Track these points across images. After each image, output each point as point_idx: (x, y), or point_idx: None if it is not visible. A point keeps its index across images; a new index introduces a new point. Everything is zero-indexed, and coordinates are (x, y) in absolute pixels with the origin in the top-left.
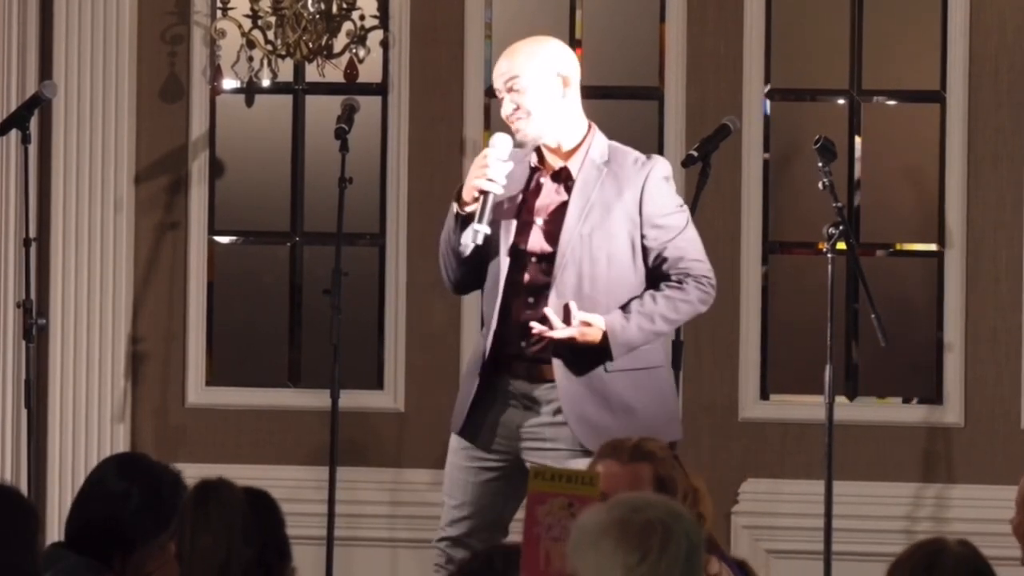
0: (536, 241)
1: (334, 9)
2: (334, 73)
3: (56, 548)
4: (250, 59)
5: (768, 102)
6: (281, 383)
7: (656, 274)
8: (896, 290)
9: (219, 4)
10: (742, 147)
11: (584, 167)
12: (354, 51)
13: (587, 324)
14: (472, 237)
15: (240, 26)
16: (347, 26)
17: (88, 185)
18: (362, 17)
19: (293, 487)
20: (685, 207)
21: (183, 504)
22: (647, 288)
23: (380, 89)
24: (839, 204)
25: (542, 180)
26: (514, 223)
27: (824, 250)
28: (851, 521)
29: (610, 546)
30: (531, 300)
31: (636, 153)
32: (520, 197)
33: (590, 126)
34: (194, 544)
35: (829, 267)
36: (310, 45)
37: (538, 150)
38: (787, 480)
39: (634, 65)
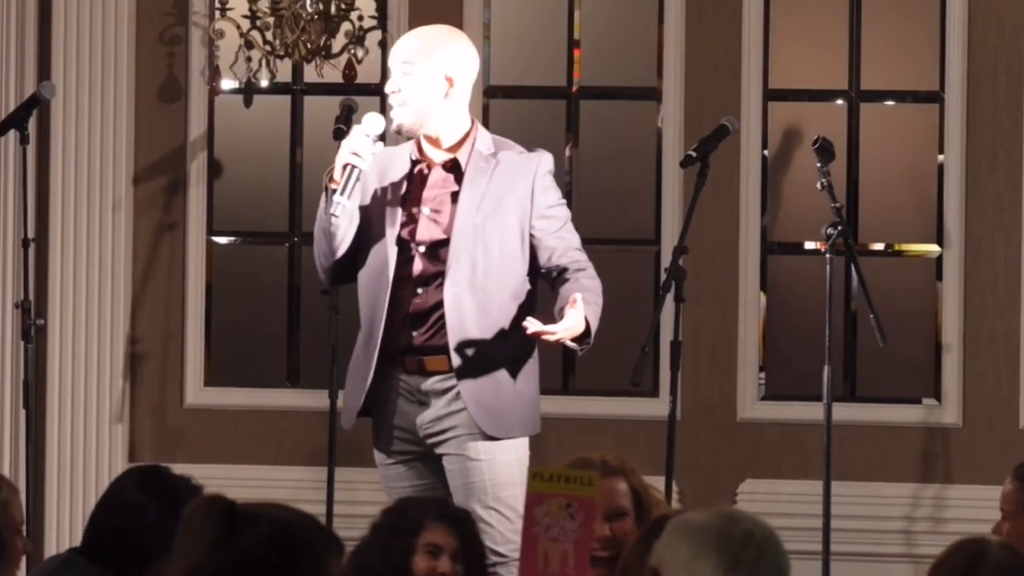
0: (425, 230)
1: (332, 9)
2: (332, 73)
3: (73, 554)
4: (248, 59)
5: (767, 103)
6: (279, 383)
7: (545, 264)
8: (894, 291)
9: (217, 5)
10: (740, 147)
11: (472, 158)
12: (352, 51)
13: (573, 308)
14: (333, 208)
15: (238, 26)
16: (345, 26)
17: (87, 186)
18: (360, 17)
19: (291, 487)
20: (563, 201)
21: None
22: (530, 278)
23: (378, 89)
24: (837, 204)
25: (426, 171)
26: (399, 213)
27: (822, 251)
28: (849, 521)
29: (706, 544)
30: (420, 291)
31: (518, 146)
32: (404, 188)
33: (473, 121)
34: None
35: (827, 268)
36: (308, 45)
37: (418, 143)
38: (785, 480)
39: (633, 65)
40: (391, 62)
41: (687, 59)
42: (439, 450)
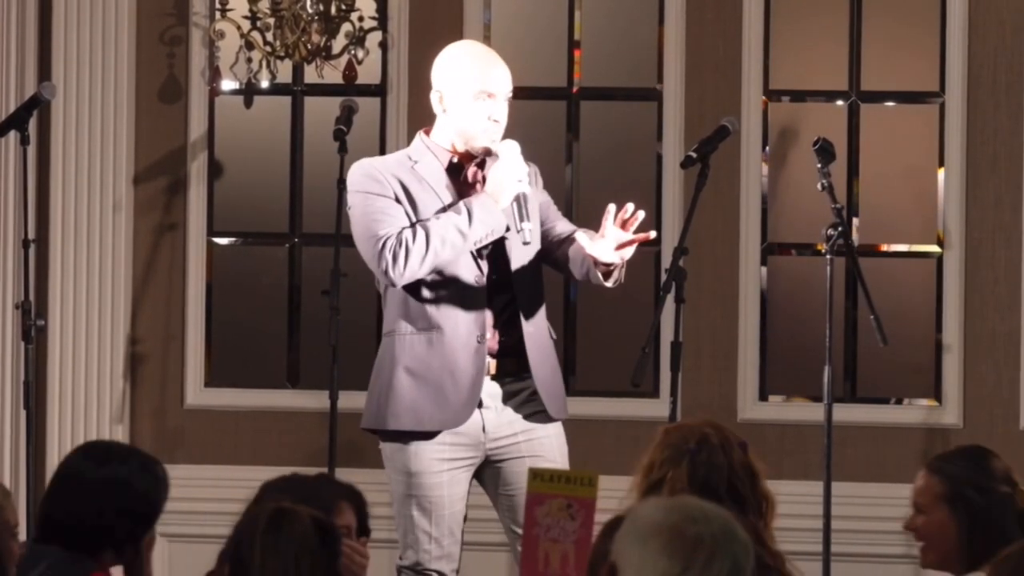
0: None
1: (333, 10)
2: (333, 74)
3: (36, 544)
4: (249, 60)
5: (767, 103)
6: (280, 384)
7: (552, 239)
8: (895, 291)
9: (218, 5)
10: (741, 148)
11: (488, 162)
12: (353, 52)
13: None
14: (527, 235)
15: (239, 27)
16: (346, 27)
17: (87, 186)
18: (361, 18)
19: None
20: None
21: (251, 526)
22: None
23: (379, 90)
24: (838, 205)
25: (467, 170)
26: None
27: (823, 251)
28: (850, 522)
29: (657, 548)
30: (491, 295)
31: None
32: (454, 190)
33: None
34: (263, 571)
35: (828, 268)
36: (309, 46)
37: (453, 147)
38: (786, 481)
39: (633, 66)
40: (496, 91)
41: (687, 60)
42: (504, 455)
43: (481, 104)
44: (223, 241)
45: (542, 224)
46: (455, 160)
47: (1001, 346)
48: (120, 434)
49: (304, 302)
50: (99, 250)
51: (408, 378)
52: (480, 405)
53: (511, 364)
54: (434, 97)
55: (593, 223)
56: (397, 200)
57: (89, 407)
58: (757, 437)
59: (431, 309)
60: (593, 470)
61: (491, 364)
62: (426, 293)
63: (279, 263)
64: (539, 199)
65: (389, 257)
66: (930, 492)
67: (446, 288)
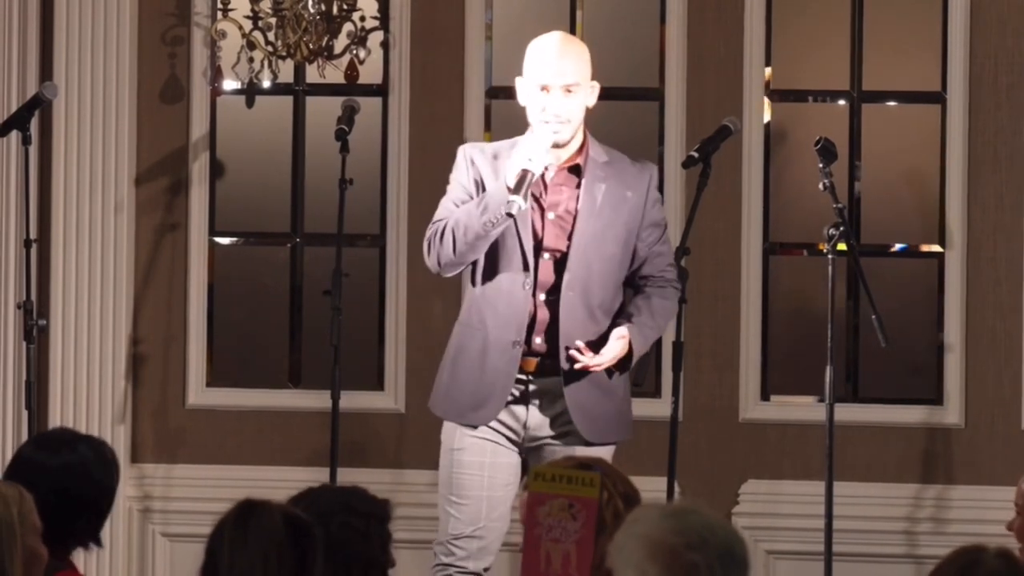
0: (552, 237)
1: (334, 10)
2: (334, 74)
3: None
4: (251, 60)
5: (769, 103)
6: (281, 384)
7: (636, 273)
8: (896, 291)
9: (219, 5)
10: (742, 148)
11: (589, 165)
12: (354, 52)
13: (621, 339)
14: (508, 207)
15: (240, 27)
16: (347, 27)
17: (88, 186)
18: (362, 18)
19: (293, 488)
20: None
21: (222, 519)
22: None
23: (381, 90)
24: (839, 205)
25: (548, 175)
26: (529, 218)
27: (824, 251)
28: (851, 522)
29: (651, 570)
30: (543, 296)
31: (627, 156)
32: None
33: (585, 129)
34: (232, 565)
35: (829, 268)
36: (310, 46)
37: None
38: (787, 481)
39: (634, 66)
40: (550, 83)
41: (689, 60)
42: (536, 452)
43: (537, 97)
44: (225, 241)
45: (635, 258)
46: None
47: (1002, 346)
48: (122, 434)
49: (306, 302)
50: (101, 250)
51: (451, 368)
52: (526, 401)
53: (554, 366)
54: (591, 92)
55: None
56: (477, 186)
57: (91, 407)
58: (759, 437)
59: (480, 306)
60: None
61: (531, 363)
62: (479, 290)
63: (281, 263)
64: (649, 217)
65: (426, 245)
66: None
67: (496, 288)
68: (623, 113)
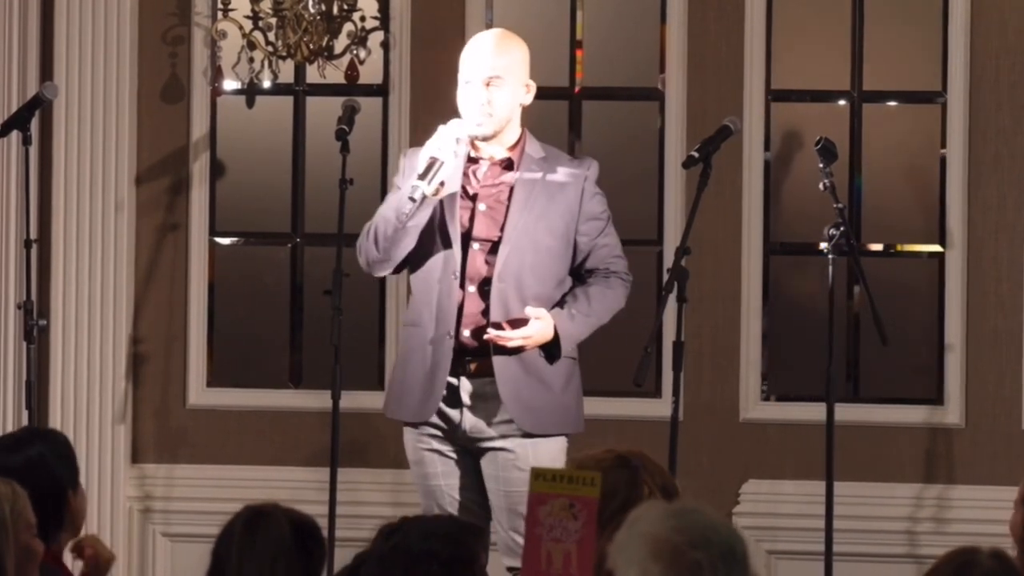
0: (483, 228)
1: (335, 10)
2: (335, 74)
3: None
4: (251, 60)
5: (769, 103)
6: (282, 384)
7: (581, 268)
8: (897, 291)
9: (220, 5)
10: (743, 148)
11: (524, 160)
12: (355, 52)
13: (538, 319)
14: (411, 191)
15: (241, 27)
16: (348, 27)
17: (89, 186)
18: (363, 18)
19: (294, 488)
20: (607, 207)
21: (230, 523)
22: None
23: (381, 90)
24: (840, 205)
25: (482, 166)
26: (457, 209)
27: (825, 251)
28: (852, 522)
29: (653, 569)
30: (472, 289)
31: (565, 153)
32: (459, 185)
33: (523, 126)
34: (240, 570)
35: (830, 268)
36: (311, 46)
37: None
38: (788, 481)
39: (635, 66)
40: (469, 78)
41: (689, 60)
42: (482, 456)
43: (461, 91)
44: (225, 241)
45: (578, 251)
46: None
47: (1003, 345)
48: (122, 434)
49: (306, 302)
50: (101, 250)
51: (399, 370)
52: (460, 404)
53: (487, 365)
54: (522, 89)
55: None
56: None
57: (91, 407)
58: (759, 437)
59: (414, 303)
60: (596, 470)
61: (470, 363)
62: (413, 287)
63: (281, 263)
64: (587, 211)
65: (357, 248)
66: None
67: (426, 283)
68: (623, 113)
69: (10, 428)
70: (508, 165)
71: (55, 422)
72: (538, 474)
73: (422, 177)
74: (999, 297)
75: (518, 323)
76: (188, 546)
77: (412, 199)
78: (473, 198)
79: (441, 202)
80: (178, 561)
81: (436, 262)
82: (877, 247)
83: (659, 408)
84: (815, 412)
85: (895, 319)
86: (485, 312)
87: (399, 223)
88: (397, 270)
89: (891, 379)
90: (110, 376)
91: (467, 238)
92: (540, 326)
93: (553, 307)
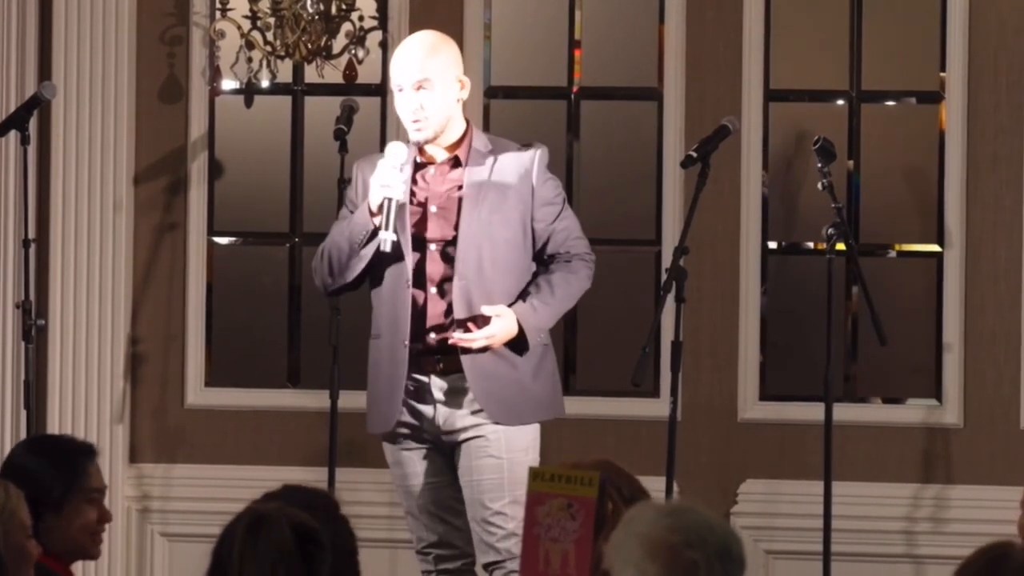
0: (436, 229)
1: (333, 10)
2: (333, 74)
3: None
4: (249, 60)
5: (767, 103)
6: (280, 384)
7: (543, 253)
8: (895, 291)
9: (218, 5)
10: (741, 148)
11: (472, 155)
12: (353, 52)
13: (499, 317)
14: (381, 245)
15: (239, 27)
16: (346, 27)
17: (87, 186)
18: (361, 18)
19: None
20: (562, 190)
21: (231, 525)
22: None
23: (379, 90)
24: (838, 205)
25: (429, 170)
26: (407, 216)
27: (823, 251)
28: (850, 522)
29: (650, 568)
30: (433, 290)
31: (513, 143)
32: (409, 189)
33: (468, 121)
34: (241, 574)
35: (828, 268)
36: (309, 46)
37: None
38: (786, 481)
39: (633, 66)
40: (400, 84)
41: (688, 59)
42: (456, 450)
43: (397, 99)
44: (223, 241)
45: (537, 238)
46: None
47: (1001, 345)
48: (120, 434)
49: (304, 302)
50: (99, 250)
51: (369, 383)
52: (432, 400)
53: (456, 362)
54: (456, 86)
55: (594, 223)
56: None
57: (89, 407)
58: (757, 437)
59: (374, 315)
60: (594, 470)
61: (439, 363)
62: (373, 300)
63: (280, 263)
64: (541, 197)
65: (313, 269)
66: None
67: (380, 295)
68: (623, 113)
69: (8, 428)
70: (456, 162)
71: (53, 422)
72: (536, 474)
73: (386, 227)
74: (997, 297)
75: (481, 321)
76: (186, 546)
77: (386, 251)
78: (423, 202)
79: None
80: (176, 561)
81: (390, 273)
82: (875, 247)
83: (657, 408)
84: (813, 412)
85: (893, 319)
86: (448, 311)
87: (352, 251)
88: (355, 287)
89: (889, 379)
90: (108, 376)
91: (422, 241)
92: (502, 323)
93: (515, 300)
